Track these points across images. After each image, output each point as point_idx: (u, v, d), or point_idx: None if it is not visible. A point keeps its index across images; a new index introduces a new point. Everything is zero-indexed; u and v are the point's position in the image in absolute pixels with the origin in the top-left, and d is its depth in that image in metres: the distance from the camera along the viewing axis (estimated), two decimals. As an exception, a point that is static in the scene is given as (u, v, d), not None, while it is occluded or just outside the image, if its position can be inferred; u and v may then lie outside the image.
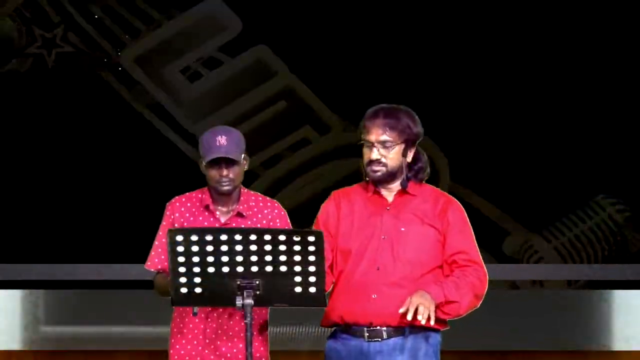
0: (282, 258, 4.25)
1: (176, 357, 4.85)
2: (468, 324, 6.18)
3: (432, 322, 4.39)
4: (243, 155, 4.79)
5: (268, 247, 4.26)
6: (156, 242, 4.90)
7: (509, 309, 10.48)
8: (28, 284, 12.86)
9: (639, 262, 14.32)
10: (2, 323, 10.10)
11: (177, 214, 4.85)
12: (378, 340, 4.54)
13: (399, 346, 4.53)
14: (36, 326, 9.50)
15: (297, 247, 4.23)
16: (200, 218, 4.82)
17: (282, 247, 4.25)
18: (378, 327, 4.54)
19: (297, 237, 4.24)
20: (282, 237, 4.24)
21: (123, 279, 9.32)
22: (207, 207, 4.83)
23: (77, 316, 9.71)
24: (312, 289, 4.27)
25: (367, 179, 4.67)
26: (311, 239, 4.23)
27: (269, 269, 4.28)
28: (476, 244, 4.65)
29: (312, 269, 4.24)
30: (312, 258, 4.23)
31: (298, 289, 4.29)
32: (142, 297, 9.35)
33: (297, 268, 4.25)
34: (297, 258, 4.25)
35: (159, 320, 8.46)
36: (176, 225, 4.80)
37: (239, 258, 4.29)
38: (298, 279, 4.27)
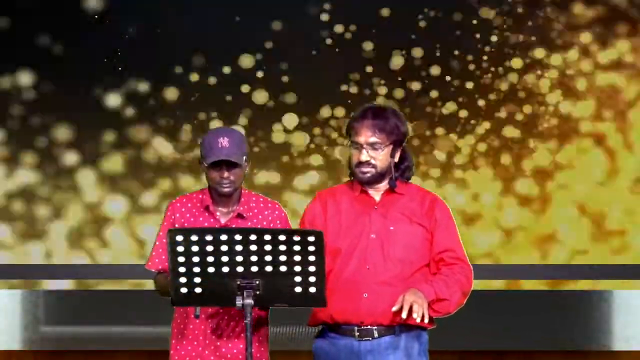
0: (282, 258, 4.26)
1: (177, 357, 4.86)
2: (467, 323, 6.19)
3: (426, 320, 4.40)
4: (244, 157, 4.79)
5: (268, 247, 4.27)
6: (157, 242, 4.91)
7: (507, 309, 10.48)
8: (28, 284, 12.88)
9: (639, 262, 14.36)
10: (2, 323, 10.09)
11: (177, 214, 4.87)
12: (369, 339, 4.54)
13: (391, 345, 4.54)
14: (36, 326, 9.50)
15: (297, 247, 4.24)
16: (201, 219, 4.83)
17: (282, 247, 4.26)
18: (369, 326, 4.54)
19: (297, 237, 4.25)
20: (282, 237, 4.25)
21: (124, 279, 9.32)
22: (207, 208, 4.84)
23: (77, 316, 9.71)
24: (312, 289, 4.28)
25: (352, 178, 4.68)
26: (311, 239, 4.24)
27: (269, 269, 4.29)
28: (461, 242, 4.67)
29: (312, 269, 4.25)
30: (312, 258, 4.24)
31: (298, 289, 4.29)
32: (142, 297, 9.37)
33: (297, 268, 4.26)
34: (297, 258, 4.25)
35: (159, 320, 8.47)
36: (176, 225, 4.81)
37: (239, 258, 4.30)
38: (298, 279, 4.28)
